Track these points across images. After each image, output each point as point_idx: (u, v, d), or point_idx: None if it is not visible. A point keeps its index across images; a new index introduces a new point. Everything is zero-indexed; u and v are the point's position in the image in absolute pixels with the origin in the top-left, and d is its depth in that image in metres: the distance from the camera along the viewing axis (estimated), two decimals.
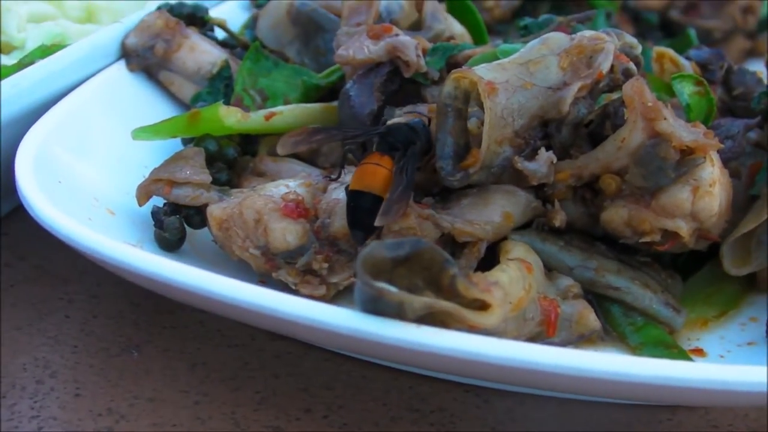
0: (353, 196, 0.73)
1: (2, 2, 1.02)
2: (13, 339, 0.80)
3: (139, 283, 0.72)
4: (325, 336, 0.64)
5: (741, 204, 0.83)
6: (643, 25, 1.31)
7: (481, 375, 0.68)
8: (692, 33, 1.21)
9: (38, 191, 0.73)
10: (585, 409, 0.75)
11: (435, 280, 0.62)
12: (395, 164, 0.74)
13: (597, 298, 0.79)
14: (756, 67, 1.05)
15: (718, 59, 0.96)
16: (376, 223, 0.70)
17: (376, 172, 0.74)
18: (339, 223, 0.75)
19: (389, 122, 0.80)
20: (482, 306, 0.63)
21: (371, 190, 0.72)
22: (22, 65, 0.90)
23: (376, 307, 0.60)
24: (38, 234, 0.74)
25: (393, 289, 0.59)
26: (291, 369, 0.78)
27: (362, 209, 0.72)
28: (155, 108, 0.96)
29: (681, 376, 0.60)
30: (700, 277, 0.84)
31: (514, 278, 0.69)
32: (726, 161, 0.81)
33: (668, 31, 1.31)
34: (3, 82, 0.84)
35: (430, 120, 0.80)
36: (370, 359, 0.77)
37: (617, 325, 0.78)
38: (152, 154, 0.89)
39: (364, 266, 0.59)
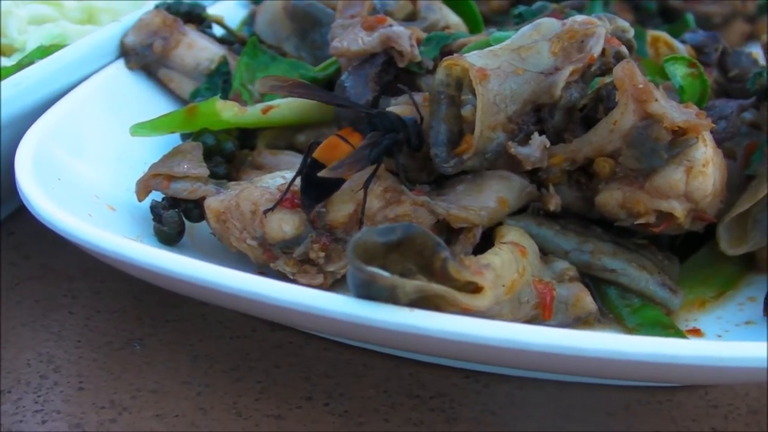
0: (311, 163, 0.74)
1: (3, 5, 1.03)
2: (18, 335, 0.81)
3: (139, 276, 0.73)
4: (319, 322, 0.64)
5: (737, 184, 0.83)
6: (642, 13, 1.30)
7: (473, 357, 0.68)
8: (690, 18, 1.21)
9: (38, 189, 0.74)
10: (584, 392, 0.76)
11: (427, 264, 0.63)
12: (365, 142, 0.75)
13: (593, 280, 0.79)
14: (756, 50, 1.05)
15: (714, 42, 0.96)
16: (321, 173, 0.71)
17: (338, 146, 0.74)
18: (335, 212, 0.75)
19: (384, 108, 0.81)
20: (475, 289, 0.64)
21: (326, 162, 0.73)
22: (21, 66, 0.91)
23: (369, 291, 0.60)
24: (42, 233, 0.75)
25: (385, 273, 0.60)
26: (292, 359, 0.79)
27: (312, 178, 0.73)
28: (154, 105, 0.97)
29: (676, 353, 0.60)
30: (697, 258, 0.84)
31: (507, 261, 0.69)
32: (720, 142, 0.81)
33: (668, 17, 1.31)
34: (3, 82, 0.85)
35: (422, 119, 0.80)
36: (370, 347, 0.78)
37: (614, 307, 0.78)
38: (151, 151, 0.90)
39: (356, 251, 0.59)
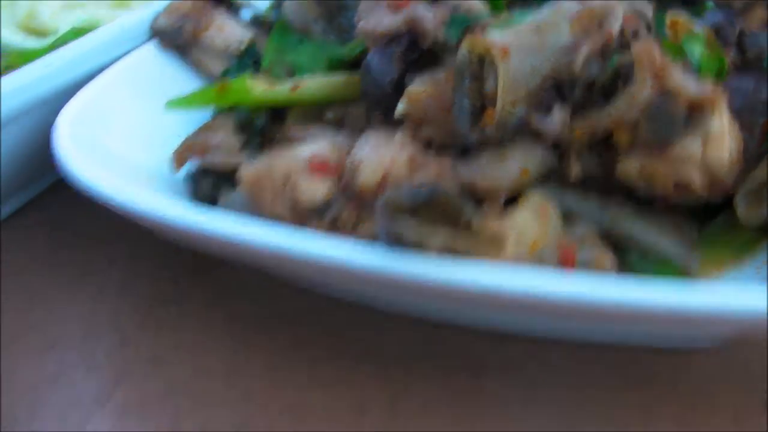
0: None
1: None
2: (56, 298, 0.85)
3: (176, 238, 0.75)
4: (351, 278, 0.67)
5: (754, 157, 0.85)
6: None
7: (502, 307, 0.70)
8: (710, 4, 1.22)
9: (79, 157, 0.77)
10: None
11: (452, 224, 0.66)
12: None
13: (613, 244, 0.81)
14: None
15: (732, 22, 0.98)
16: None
17: None
18: (364, 178, 0.78)
19: None
20: (498, 247, 0.66)
21: None
22: (54, 47, 0.94)
23: (396, 248, 0.63)
24: (80, 204, 0.79)
25: (412, 229, 0.62)
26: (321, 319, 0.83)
27: None
28: (185, 85, 1.00)
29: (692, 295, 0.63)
30: (715, 225, 0.86)
31: (530, 221, 0.71)
32: (737, 116, 0.83)
33: (687, 2, 1.33)
34: (37, 61, 0.88)
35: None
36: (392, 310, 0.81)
37: (633, 269, 0.80)
38: (183, 128, 0.92)
39: (386, 209, 0.62)
